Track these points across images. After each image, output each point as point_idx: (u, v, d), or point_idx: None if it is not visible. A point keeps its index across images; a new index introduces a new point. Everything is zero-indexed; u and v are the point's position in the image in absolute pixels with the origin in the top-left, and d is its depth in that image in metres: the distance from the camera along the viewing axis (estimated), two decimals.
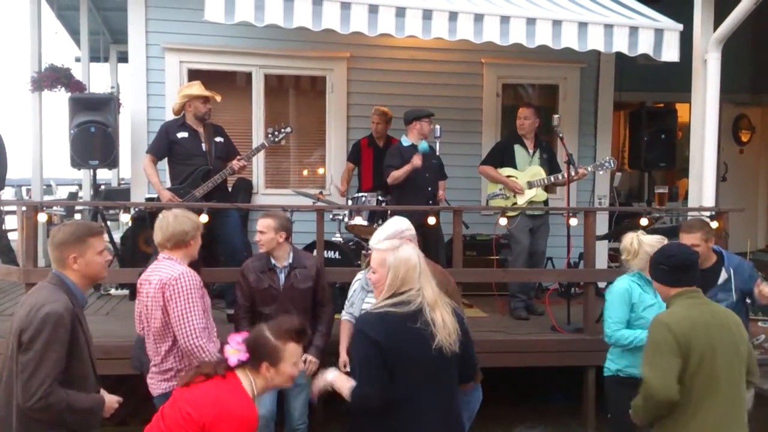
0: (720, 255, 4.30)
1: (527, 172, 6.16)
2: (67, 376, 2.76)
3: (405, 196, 5.98)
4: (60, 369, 2.73)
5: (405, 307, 2.83)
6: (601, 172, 6.17)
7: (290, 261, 4.42)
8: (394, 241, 3.22)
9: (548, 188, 6.34)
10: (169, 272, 3.55)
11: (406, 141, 6.06)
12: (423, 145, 5.91)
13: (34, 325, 2.72)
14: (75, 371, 2.80)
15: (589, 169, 6.19)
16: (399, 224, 3.87)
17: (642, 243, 3.91)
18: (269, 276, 4.37)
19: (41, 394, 2.68)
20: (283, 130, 5.86)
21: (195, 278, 3.58)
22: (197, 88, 5.77)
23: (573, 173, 5.96)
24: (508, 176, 6.17)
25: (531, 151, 6.23)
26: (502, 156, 6.28)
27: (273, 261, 4.39)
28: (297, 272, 4.40)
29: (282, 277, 4.39)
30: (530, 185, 6.12)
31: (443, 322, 2.85)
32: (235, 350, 2.67)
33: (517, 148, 6.23)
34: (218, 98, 5.91)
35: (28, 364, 2.71)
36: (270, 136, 5.87)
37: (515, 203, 6.11)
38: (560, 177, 6.13)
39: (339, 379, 2.94)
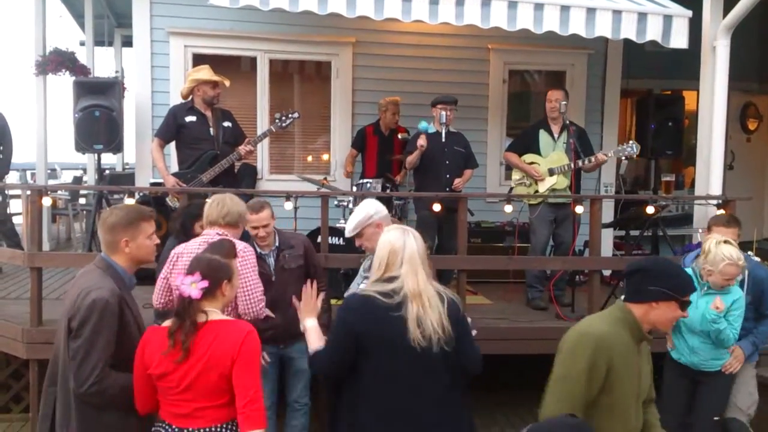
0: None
1: (549, 158, 6.02)
2: (118, 358, 2.81)
3: (423, 182, 6.04)
4: (110, 353, 2.78)
5: (390, 298, 2.77)
6: (623, 158, 6.05)
7: (277, 244, 4.39)
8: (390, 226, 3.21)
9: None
10: None
11: (431, 128, 6.05)
12: (422, 124, 5.87)
13: (81, 312, 2.77)
14: (126, 354, 2.82)
15: (610, 154, 6.04)
16: (367, 209, 3.79)
17: (710, 251, 3.91)
18: (259, 264, 4.34)
19: (94, 379, 2.73)
20: (290, 115, 5.84)
21: (253, 252, 3.80)
22: (206, 73, 5.74)
23: (585, 159, 5.89)
24: (531, 163, 6.05)
25: (556, 136, 6.06)
26: (527, 142, 6.14)
27: (258, 249, 4.30)
28: (285, 253, 4.37)
29: (272, 261, 4.35)
30: (551, 172, 5.99)
31: (417, 317, 2.75)
32: (192, 283, 2.71)
33: (542, 133, 6.08)
34: (227, 83, 5.88)
35: (79, 350, 2.75)
36: (277, 121, 5.85)
37: (537, 191, 6.01)
38: (582, 162, 6.01)
39: (311, 333, 3.00)
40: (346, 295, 3.62)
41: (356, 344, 2.77)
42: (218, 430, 2.71)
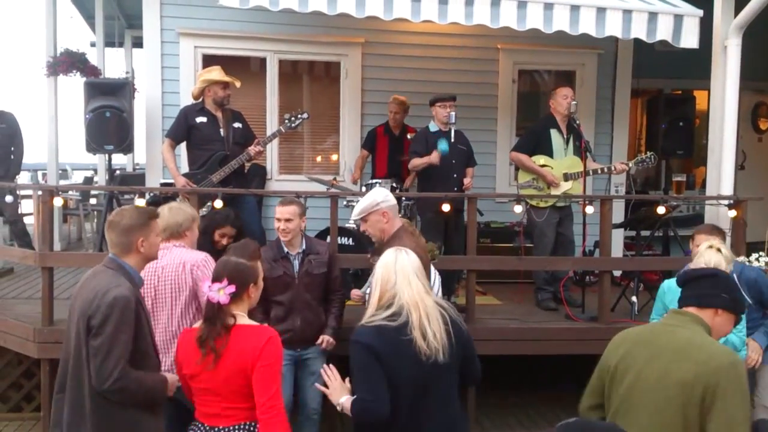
0: None
1: (564, 163, 5.94)
2: (134, 356, 2.87)
3: (429, 182, 5.95)
4: (129, 350, 2.83)
5: (396, 320, 2.80)
6: (640, 167, 6.15)
7: (303, 248, 4.41)
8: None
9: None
10: (193, 256, 3.75)
11: (432, 126, 6.00)
12: (443, 146, 5.82)
13: (102, 309, 2.81)
14: (139, 350, 2.90)
15: (631, 164, 6.05)
16: (374, 196, 3.89)
17: (698, 253, 3.88)
18: (282, 264, 4.35)
19: (116, 376, 2.78)
20: (299, 116, 5.85)
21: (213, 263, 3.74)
22: (217, 74, 5.77)
23: (604, 167, 5.92)
24: (543, 165, 5.95)
25: (566, 137, 6.00)
26: (537, 142, 6.03)
27: (285, 249, 4.37)
28: (311, 258, 4.40)
29: (296, 264, 4.37)
30: (566, 177, 5.92)
31: (420, 326, 2.78)
32: (220, 289, 2.81)
33: (554, 134, 5.98)
34: (237, 84, 5.90)
35: (101, 348, 2.79)
36: (287, 121, 5.87)
37: (549, 194, 5.92)
38: (601, 171, 6.00)
39: (348, 403, 2.86)
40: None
41: (383, 368, 2.74)
42: (246, 427, 2.84)
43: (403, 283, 2.86)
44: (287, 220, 4.28)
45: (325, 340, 4.40)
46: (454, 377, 2.92)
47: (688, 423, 2.42)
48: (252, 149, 5.70)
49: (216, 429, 2.84)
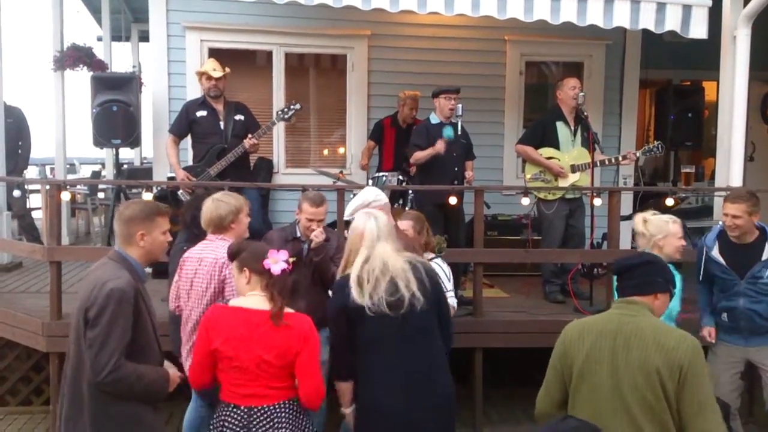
0: (763, 230, 4.24)
1: (571, 154, 5.89)
2: (133, 349, 2.86)
3: (429, 175, 5.85)
4: (125, 343, 2.83)
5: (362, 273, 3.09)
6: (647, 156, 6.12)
7: None
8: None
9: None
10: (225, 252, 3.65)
11: (434, 119, 5.92)
12: (448, 132, 5.76)
13: (99, 301, 2.81)
14: (139, 343, 2.90)
15: (638, 154, 6.01)
16: (365, 196, 3.88)
17: (648, 222, 3.92)
18: (293, 245, 4.31)
19: (111, 368, 2.77)
20: (292, 107, 5.85)
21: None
22: (207, 65, 5.85)
23: (612, 157, 5.89)
24: (550, 158, 5.91)
25: (573, 129, 5.94)
26: (543, 134, 5.97)
27: (298, 232, 4.37)
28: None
29: (305, 248, 4.36)
30: (574, 169, 5.88)
31: (384, 267, 3.05)
32: (276, 260, 2.98)
33: (560, 126, 5.91)
34: (217, 73, 5.79)
35: (96, 339, 2.79)
36: (279, 113, 5.88)
37: (556, 186, 5.89)
38: (609, 162, 5.94)
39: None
40: None
41: (347, 318, 3.08)
42: (280, 406, 2.94)
43: (369, 247, 3.12)
44: (320, 221, 4.22)
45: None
46: (425, 321, 3.15)
47: (670, 405, 2.55)
48: (246, 141, 5.68)
49: (255, 408, 2.90)
